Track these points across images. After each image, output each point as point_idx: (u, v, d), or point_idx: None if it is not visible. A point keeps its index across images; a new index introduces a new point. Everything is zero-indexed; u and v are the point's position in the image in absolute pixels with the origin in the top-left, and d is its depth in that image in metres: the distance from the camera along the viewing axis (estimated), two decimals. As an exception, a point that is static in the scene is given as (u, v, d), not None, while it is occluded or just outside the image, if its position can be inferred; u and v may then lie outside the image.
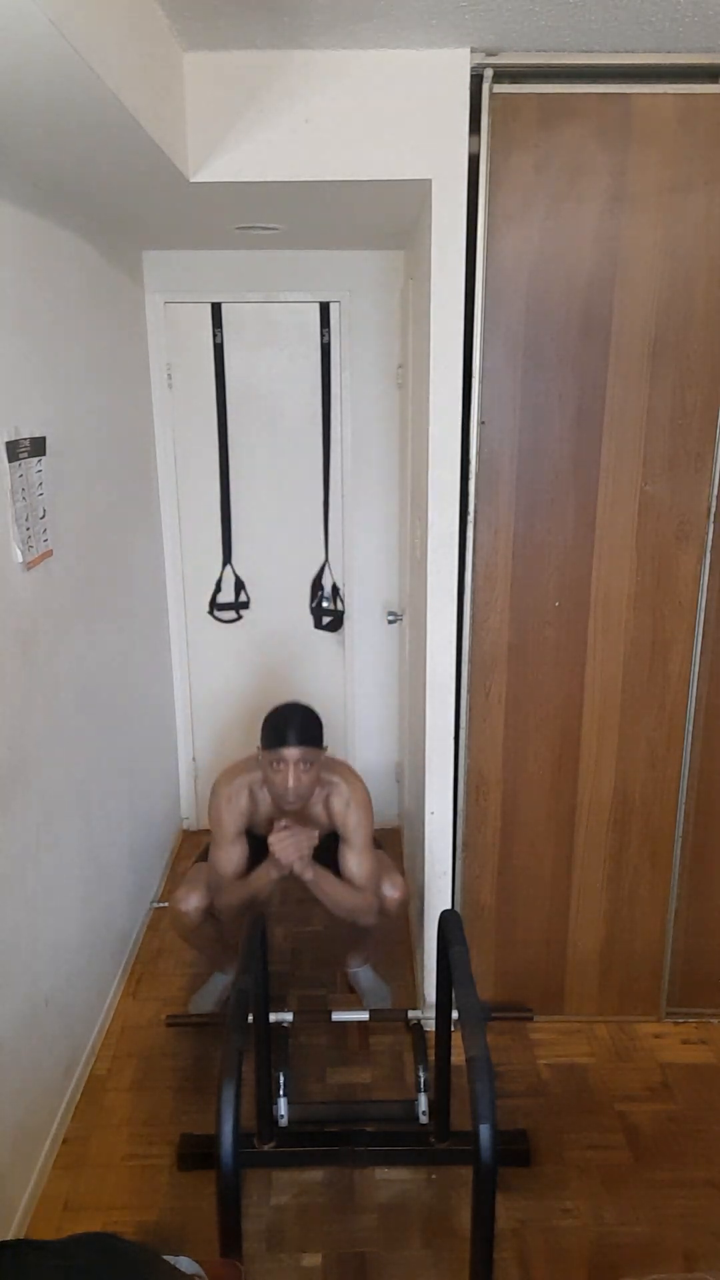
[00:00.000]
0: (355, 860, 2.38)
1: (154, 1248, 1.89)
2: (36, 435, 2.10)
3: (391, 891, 2.45)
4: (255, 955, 1.92)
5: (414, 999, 2.71)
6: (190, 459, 3.35)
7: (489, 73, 1.94)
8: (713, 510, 2.22)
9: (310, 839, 2.26)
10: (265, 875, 2.29)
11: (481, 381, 2.14)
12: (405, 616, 3.14)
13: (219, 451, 3.34)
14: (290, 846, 2.23)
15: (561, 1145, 2.20)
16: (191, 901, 2.43)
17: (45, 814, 2.14)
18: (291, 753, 2.22)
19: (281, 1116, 2.20)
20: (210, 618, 3.51)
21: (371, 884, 2.40)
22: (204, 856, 2.56)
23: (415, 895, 2.77)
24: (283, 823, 2.28)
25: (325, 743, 2.34)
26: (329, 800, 2.40)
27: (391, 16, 1.73)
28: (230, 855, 2.40)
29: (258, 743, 2.32)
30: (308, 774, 2.26)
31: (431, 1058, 2.38)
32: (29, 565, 2.05)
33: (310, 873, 2.27)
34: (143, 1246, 1.07)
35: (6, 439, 1.93)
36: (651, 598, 2.28)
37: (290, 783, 2.23)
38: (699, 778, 2.43)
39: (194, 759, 3.68)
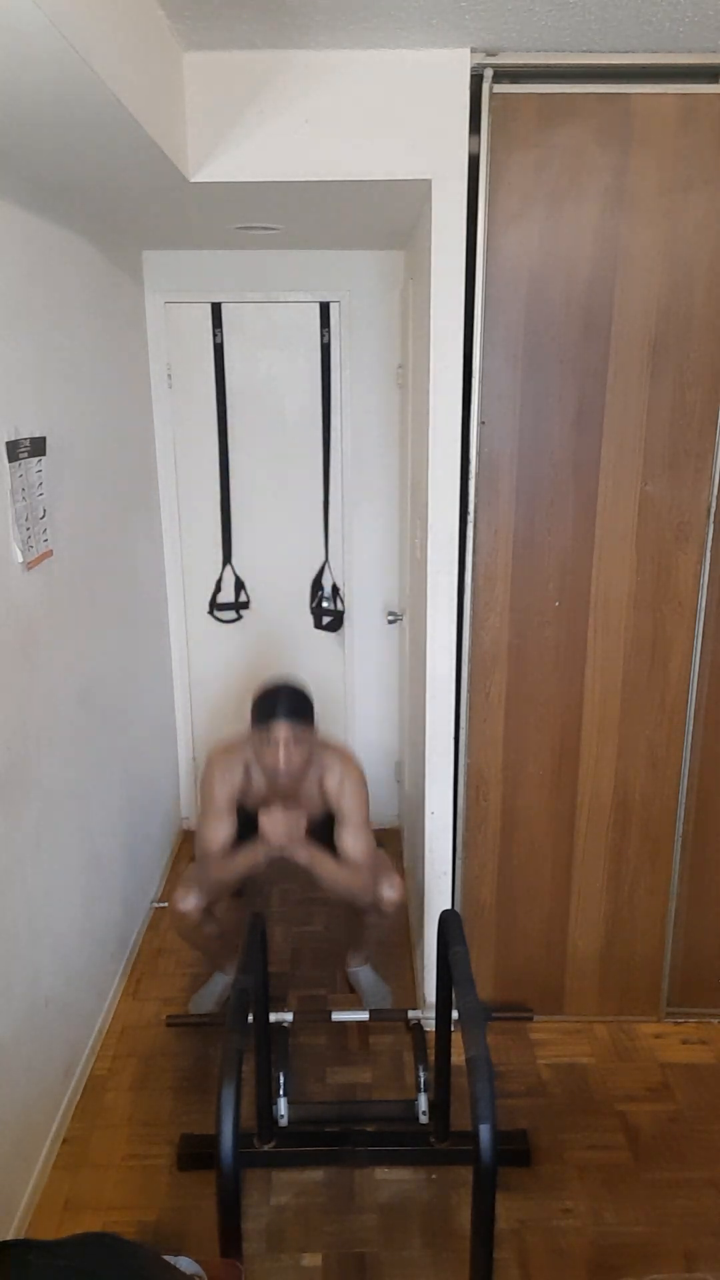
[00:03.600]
0: (351, 838, 2.35)
1: (154, 1248, 1.89)
2: (36, 435, 2.10)
3: (390, 892, 2.45)
4: (255, 955, 1.92)
5: (414, 999, 2.71)
6: (190, 459, 3.35)
7: (489, 73, 1.94)
8: (713, 510, 2.22)
9: (299, 822, 2.23)
10: (253, 853, 2.26)
11: (481, 381, 2.14)
12: (405, 616, 3.14)
13: (219, 451, 3.34)
14: (281, 828, 2.21)
15: (561, 1145, 2.20)
16: (190, 901, 2.43)
17: (44, 813, 2.14)
18: (282, 729, 2.21)
19: (281, 1116, 2.20)
20: (210, 618, 3.51)
21: (369, 862, 2.38)
22: None
23: (415, 895, 2.77)
24: (276, 804, 2.26)
25: (317, 722, 2.32)
26: (323, 780, 2.39)
27: (391, 16, 1.73)
28: (218, 828, 2.37)
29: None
30: (299, 751, 2.24)
31: (431, 1058, 2.38)
32: (29, 565, 2.05)
33: (304, 854, 2.24)
34: (143, 1246, 1.07)
35: (6, 439, 1.93)
36: (651, 598, 2.28)
37: (281, 759, 2.22)
38: (699, 778, 2.43)
39: (194, 759, 3.67)
